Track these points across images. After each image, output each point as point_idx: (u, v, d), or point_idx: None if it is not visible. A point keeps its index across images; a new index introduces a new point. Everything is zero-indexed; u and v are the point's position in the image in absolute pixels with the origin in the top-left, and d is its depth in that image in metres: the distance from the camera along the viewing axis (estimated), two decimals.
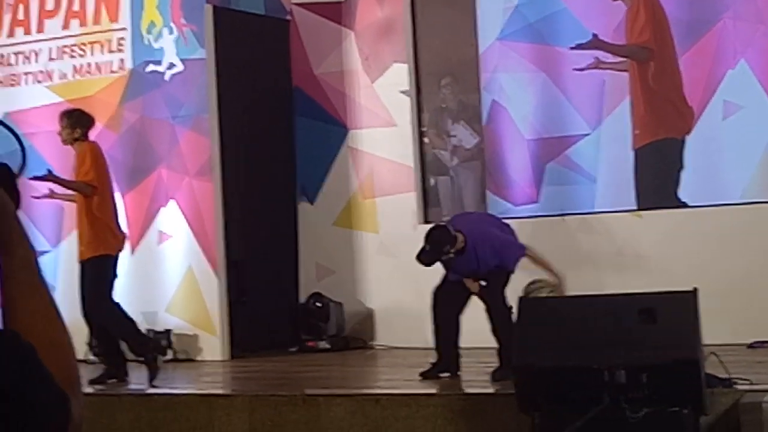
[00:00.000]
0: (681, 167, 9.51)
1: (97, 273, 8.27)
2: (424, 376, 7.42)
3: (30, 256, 1.47)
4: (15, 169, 1.50)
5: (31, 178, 8.06)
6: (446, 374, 7.47)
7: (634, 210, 9.62)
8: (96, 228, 8.29)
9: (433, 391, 6.89)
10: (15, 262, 1.45)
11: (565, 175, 9.89)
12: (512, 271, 7.48)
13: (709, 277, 8.62)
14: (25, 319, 1.42)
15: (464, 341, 7.55)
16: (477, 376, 7.35)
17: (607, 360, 5.41)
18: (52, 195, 8.69)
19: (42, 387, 1.28)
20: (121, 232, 8.58)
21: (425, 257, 7.43)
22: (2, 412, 1.22)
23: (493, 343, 7.34)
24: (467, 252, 7.38)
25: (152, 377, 8.04)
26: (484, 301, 7.38)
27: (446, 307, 7.46)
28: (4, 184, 1.45)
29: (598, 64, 9.73)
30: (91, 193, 8.30)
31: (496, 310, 7.26)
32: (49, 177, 8.36)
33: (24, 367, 1.26)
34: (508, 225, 7.94)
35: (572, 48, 9.71)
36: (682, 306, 5.56)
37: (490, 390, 6.75)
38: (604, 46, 9.67)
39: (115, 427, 7.08)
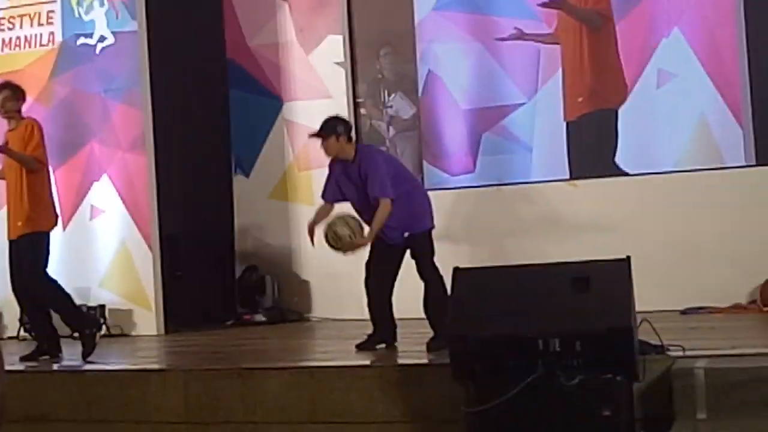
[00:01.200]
0: (617, 135, 9.56)
1: (36, 249, 8.14)
2: (360, 347, 7.41)
3: None
4: None
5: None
6: (382, 345, 7.46)
7: (568, 179, 9.65)
8: (35, 204, 8.15)
9: (367, 362, 6.87)
10: None
11: (501, 145, 9.90)
12: (432, 228, 7.47)
13: (642, 244, 8.68)
14: None
15: (399, 312, 7.53)
16: (412, 347, 7.34)
17: (540, 328, 5.41)
18: None
19: None
20: (55, 209, 8.45)
21: (320, 134, 7.43)
22: None
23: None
24: (355, 163, 7.37)
25: (88, 353, 7.96)
26: (420, 272, 7.37)
27: (377, 278, 7.45)
28: None
29: (520, 35, 9.75)
30: (38, 168, 8.15)
31: (430, 281, 7.26)
32: (2, 148, 8.17)
33: None
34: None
35: (538, 5, 9.73)
36: (615, 274, 5.56)
37: (425, 360, 6.75)
38: (565, 6, 9.68)
39: (48, 404, 6.98)
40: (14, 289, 8.21)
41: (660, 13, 9.44)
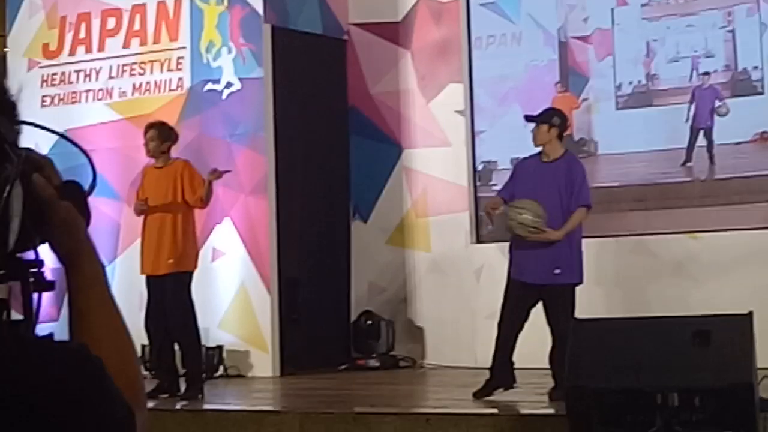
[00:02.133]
0: None
1: (186, 288, 8.32)
2: (477, 395, 7.37)
3: (99, 270, 1.51)
4: (86, 186, 1.54)
5: (214, 170, 8.37)
6: (500, 390, 7.38)
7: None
8: (188, 243, 8.39)
9: (483, 411, 6.88)
10: (84, 277, 1.49)
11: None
12: (579, 282, 7.42)
13: (762, 300, 8.55)
14: (94, 333, 1.45)
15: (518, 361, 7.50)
16: (529, 397, 7.33)
17: (659, 383, 5.40)
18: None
19: (109, 401, 1.29)
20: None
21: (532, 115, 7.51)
22: (70, 427, 1.24)
23: (545, 363, 7.30)
24: (556, 163, 7.41)
25: (193, 397, 8.09)
26: (550, 323, 7.28)
27: (509, 324, 7.37)
28: (75, 200, 1.49)
29: None
30: (202, 207, 8.46)
31: (561, 334, 7.08)
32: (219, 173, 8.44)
33: (92, 381, 1.28)
34: None
35: None
36: (736, 329, 5.53)
37: (541, 411, 6.73)
38: None
39: None
40: (148, 325, 8.37)
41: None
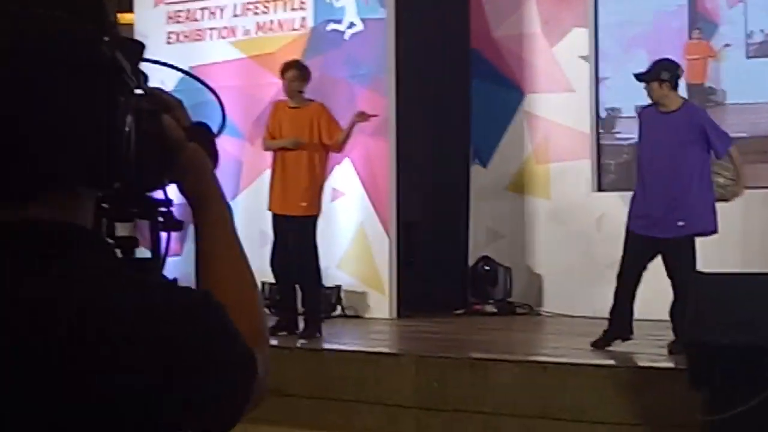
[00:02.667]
0: None
1: (312, 231, 8.40)
2: (596, 345, 7.31)
3: (225, 213, 1.51)
4: (215, 128, 1.53)
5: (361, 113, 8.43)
6: (618, 341, 7.32)
7: None
8: (319, 187, 8.46)
9: (602, 362, 6.82)
10: (211, 219, 1.49)
11: None
12: (713, 231, 7.28)
13: None
14: (218, 276, 1.46)
15: (639, 312, 7.40)
16: (648, 349, 7.24)
17: None
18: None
19: (228, 346, 1.31)
20: None
21: (644, 75, 7.41)
22: (189, 369, 1.25)
23: (664, 316, 7.20)
24: (677, 113, 7.29)
25: (310, 335, 8.16)
26: (671, 276, 7.16)
27: (629, 276, 7.28)
28: (203, 142, 1.49)
29: None
30: (339, 151, 8.52)
31: (682, 287, 6.92)
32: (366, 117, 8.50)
33: (213, 328, 1.29)
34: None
35: None
36: None
37: (660, 364, 6.64)
38: None
39: (287, 379, 7.21)
40: (273, 264, 8.45)
41: None
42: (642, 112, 7.70)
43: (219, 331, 1.30)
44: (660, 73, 7.37)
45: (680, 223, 7.17)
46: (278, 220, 8.48)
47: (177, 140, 1.44)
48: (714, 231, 7.27)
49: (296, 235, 8.35)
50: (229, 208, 1.52)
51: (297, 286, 8.51)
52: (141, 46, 1.40)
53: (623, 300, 7.27)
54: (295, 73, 8.51)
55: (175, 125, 1.44)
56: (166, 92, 1.47)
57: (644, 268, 7.28)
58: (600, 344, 7.32)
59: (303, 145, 8.40)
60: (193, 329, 1.27)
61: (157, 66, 1.51)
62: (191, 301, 1.30)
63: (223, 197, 1.52)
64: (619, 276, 7.33)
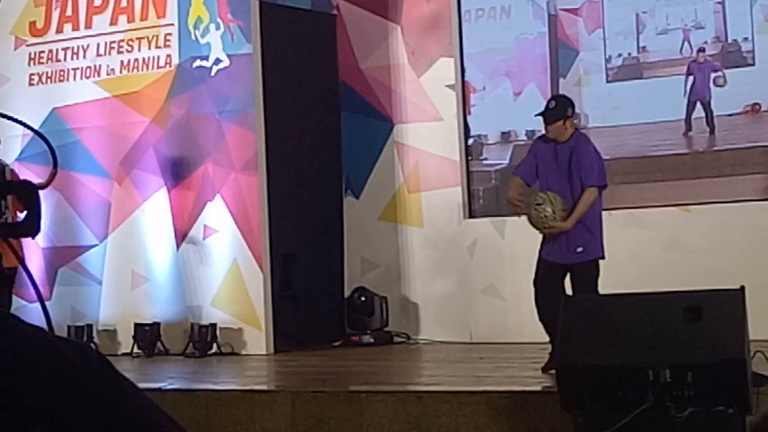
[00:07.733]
0: None
1: None
2: (544, 370, 7.21)
3: None
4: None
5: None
6: None
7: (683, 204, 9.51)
8: None
9: (475, 388, 6.86)
10: None
11: None
12: (601, 257, 7.39)
13: (755, 272, 8.52)
14: None
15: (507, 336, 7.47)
16: (521, 372, 7.30)
17: (651, 358, 5.36)
18: None
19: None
20: None
21: (549, 114, 7.38)
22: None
23: (540, 338, 7.26)
24: (567, 144, 7.34)
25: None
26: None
27: (543, 295, 7.30)
28: (24, 197, 1.45)
29: None
30: None
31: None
32: None
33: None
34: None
35: None
36: (728, 303, 5.49)
37: (533, 388, 6.71)
38: None
39: None
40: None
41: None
42: (537, 142, 7.75)
43: None
44: (566, 111, 7.48)
45: (579, 249, 7.32)
46: None
47: None
48: (603, 256, 7.41)
49: None
50: None
51: None
52: None
53: (548, 320, 7.28)
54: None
55: None
56: None
57: (556, 288, 7.29)
58: (548, 367, 7.18)
59: None
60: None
61: (18, 104, 1.49)
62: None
63: None
64: (536, 298, 7.40)
